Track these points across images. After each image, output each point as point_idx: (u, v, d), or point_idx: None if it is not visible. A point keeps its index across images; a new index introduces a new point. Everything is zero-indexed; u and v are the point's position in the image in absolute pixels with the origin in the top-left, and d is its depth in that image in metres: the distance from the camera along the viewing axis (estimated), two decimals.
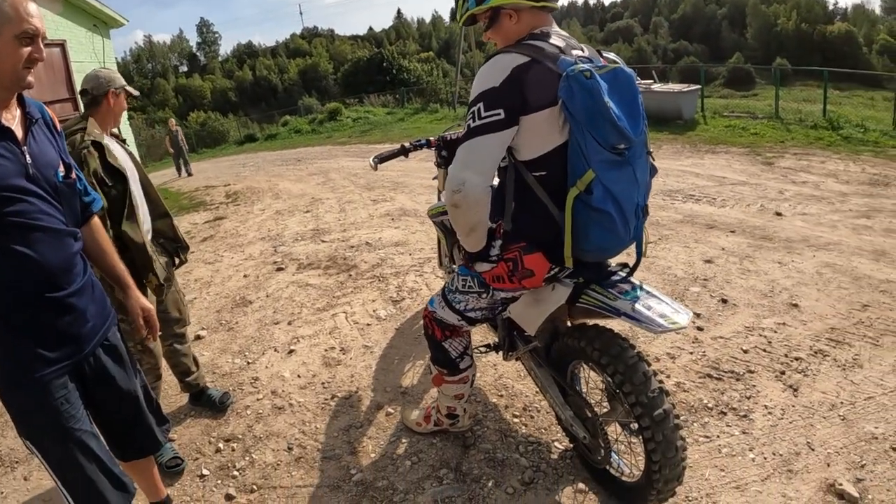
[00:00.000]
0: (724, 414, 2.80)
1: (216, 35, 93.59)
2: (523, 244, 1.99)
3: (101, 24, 13.06)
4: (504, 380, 3.22)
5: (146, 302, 2.07)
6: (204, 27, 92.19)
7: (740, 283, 4.27)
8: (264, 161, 16.14)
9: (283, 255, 6.06)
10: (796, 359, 3.22)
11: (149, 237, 2.75)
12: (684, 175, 8.24)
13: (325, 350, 3.82)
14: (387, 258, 5.53)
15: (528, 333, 2.40)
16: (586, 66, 1.74)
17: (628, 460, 2.30)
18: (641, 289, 1.97)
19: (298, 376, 3.52)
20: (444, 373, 2.50)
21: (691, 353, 3.34)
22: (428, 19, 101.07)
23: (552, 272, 2.03)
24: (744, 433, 2.65)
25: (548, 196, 1.89)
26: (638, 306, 1.88)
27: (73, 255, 1.72)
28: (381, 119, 21.88)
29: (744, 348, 3.36)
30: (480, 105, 1.81)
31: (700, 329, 3.61)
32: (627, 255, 2.09)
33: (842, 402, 2.82)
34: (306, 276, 5.32)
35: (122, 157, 2.62)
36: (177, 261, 3.00)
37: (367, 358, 3.65)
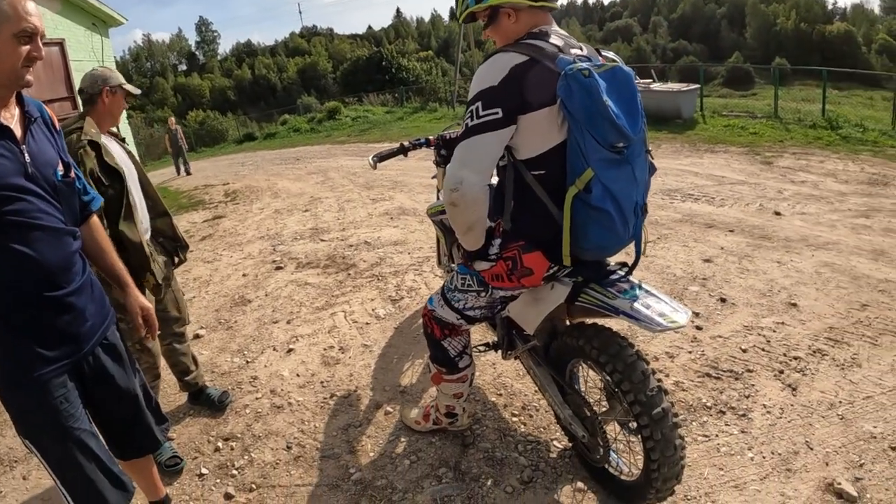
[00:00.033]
0: (723, 413, 2.80)
1: (215, 34, 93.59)
2: (522, 243, 1.99)
3: (100, 22, 13.06)
4: (503, 379, 3.22)
5: (145, 301, 2.07)
6: (203, 26, 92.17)
7: (739, 283, 4.28)
8: (263, 160, 16.14)
9: (281, 254, 6.06)
10: (795, 358, 3.22)
11: (147, 236, 2.74)
12: (683, 174, 8.25)
13: (324, 349, 3.82)
14: (386, 257, 5.53)
15: (526, 332, 2.40)
16: (585, 64, 1.74)
17: (627, 459, 2.30)
18: (640, 288, 1.97)
19: (297, 375, 3.52)
20: (443, 371, 2.50)
21: (690, 353, 3.35)
22: (427, 18, 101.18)
23: (551, 271, 2.03)
24: (742, 432, 2.65)
25: (547, 195, 1.89)
26: (637, 305, 1.88)
27: (72, 254, 1.72)
28: (380, 118, 21.87)
29: (742, 347, 3.36)
30: (478, 104, 1.81)
31: (699, 328, 3.62)
32: (626, 254, 2.10)
33: (840, 402, 2.83)
34: (305, 275, 5.32)
35: (120, 157, 2.61)
36: (176, 260, 2.99)
37: (366, 357, 3.65)
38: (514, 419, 2.88)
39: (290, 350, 3.85)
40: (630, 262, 2.08)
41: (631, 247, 2.01)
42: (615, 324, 2.19)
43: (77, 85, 2.77)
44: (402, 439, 2.81)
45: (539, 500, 2.36)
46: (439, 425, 2.75)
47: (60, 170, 1.69)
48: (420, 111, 21.78)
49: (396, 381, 3.35)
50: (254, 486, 2.62)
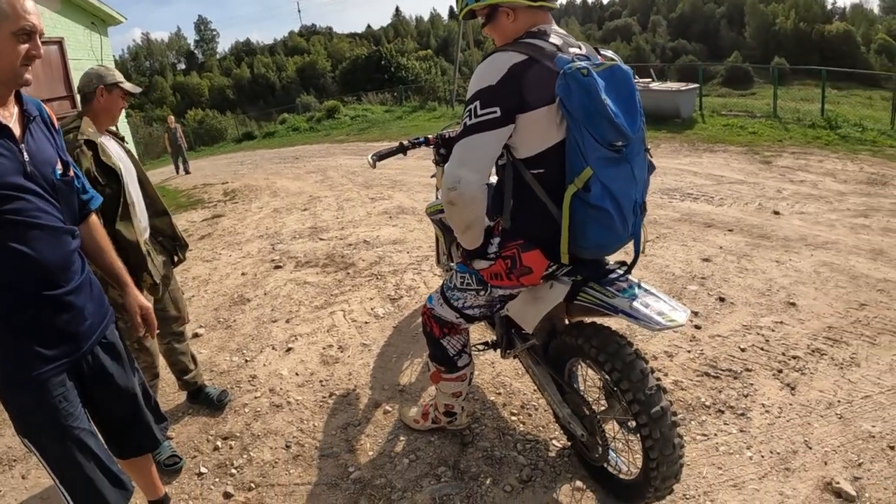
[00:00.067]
0: (722, 412, 2.80)
1: (214, 33, 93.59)
2: (521, 241, 1.99)
3: (99, 21, 13.05)
4: (502, 378, 3.22)
5: (144, 300, 2.07)
6: (202, 25, 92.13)
7: (738, 282, 4.28)
8: (262, 159, 16.12)
9: (281, 253, 6.05)
10: (794, 357, 3.22)
11: (146, 235, 2.74)
12: (682, 174, 8.25)
13: (323, 348, 3.82)
14: (385, 256, 5.53)
15: (525, 331, 2.40)
16: (583, 63, 1.74)
17: (626, 458, 2.30)
18: (639, 286, 1.97)
19: (296, 374, 3.52)
20: (442, 370, 2.51)
21: (689, 352, 3.35)
22: (426, 17, 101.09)
23: (550, 270, 2.03)
24: (741, 431, 2.66)
25: (546, 193, 1.89)
26: (636, 304, 1.88)
27: (71, 253, 1.72)
28: (380, 117, 21.86)
29: (741, 347, 3.36)
30: (477, 103, 1.82)
31: (698, 327, 3.62)
32: (625, 253, 2.10)
33: (839, 401, 2.83)
34: (304, 273, 5.32)
35: (119, 156, 2.60)
36: (175, 259, 2.99)
37: (365, 356, 3.65)
38: (513, 418, 2.88)
39: (289, 349, 3.85)
40: (629, 261, 2.08)
41: (630, 245, 2.02)
42: (614, 323, 2.19)
43: (76, 84, 2.76)
44: (401, 438, 2.81)
45: (538, 498, 2.36)
46: (438, 424, 2.75)
47: (59, 168, 1.69)
48: (419, 110, 21.77)
49: (395, 379, 3.35)
50: (253, 484, 2.62)
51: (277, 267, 5.60)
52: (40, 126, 1.71)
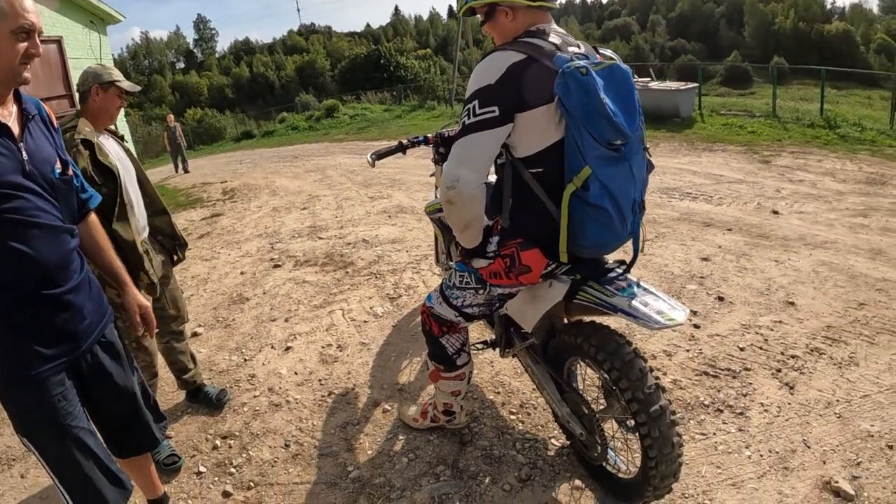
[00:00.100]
0: (721, 411, 2.81)
1: (213, 32, 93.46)
2: (520, 240, 1.99)
3: (98, 20, 13.02)
4: (501, 377, 3.23)
5: (143, 299, 2.07)
6: (201, 24, 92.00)
7: (737, 281, 4.28)
8: (261, 158, 16.11)
9: (279, 252, 6.05)
10: (792, 357, 3.23)
11: (145, 234, 2.74)
12: (681, 173, 8.25)
13: (322, 347, 3.82)
14: (384, 255, 5.53)
15: (525, 330, 2.40)
16: (582, 62, 1.74)
17: (625, 457, 2.30)
18: (638, 285, 1.98)
19: (295, 373, 3.52)
20: (441, 369, 2.51)
21: (688, 351, 3.35)
22: (425, 16, 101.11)
23: (549, 268, 2.03)
24: (740, 430, 2.66)
25: (545, 192, 1.90)
26: (635, 303, 1.88)
27: (70, 252, 1.72)
28: (379, 116, 21.85)
29: (740, 346, 3.37)
30: (475, 102, 1.82)
31: (696, 327, 3.62)
32: (624, 252, 2.10)
33: (838, 400, 2.83)
34: (303, 272, 5.32)
35: (118, 155, 2.59)
36: (175, 258, 2.99)
37: (364, 355, 3.65)
38: (512, 417, 2.88)
39: (288, 348, 3.85)
40: (628, 260, 2.08)
41: (629, 244, 2.02)
42: (613, 321, 2.19)
43: (75, 83, 2.75)
44: (401, 437, 2.81)
45: (537, 498, 2.36)
46: (437, 423, 2.76)
47: (58, 167, 1.69)
48: (418, 109, 21.76)
49: (394, 379, 3.35)
50: (252, 484, 2.62)
51: (276, 266, 5.60)
52: (39, 125, 1.71)
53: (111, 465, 1.84)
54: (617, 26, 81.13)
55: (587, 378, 2.50)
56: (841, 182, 7.31)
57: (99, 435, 1.88)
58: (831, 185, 7.19)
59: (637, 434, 1.97)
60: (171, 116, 17.24)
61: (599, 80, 1.73)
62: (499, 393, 3.09)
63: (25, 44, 1.54)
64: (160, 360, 2.97)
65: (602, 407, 2.25)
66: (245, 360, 3.76)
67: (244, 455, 2.82)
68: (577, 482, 2.41)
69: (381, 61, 51.89)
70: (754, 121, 12.46)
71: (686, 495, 2.31)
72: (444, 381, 2.54)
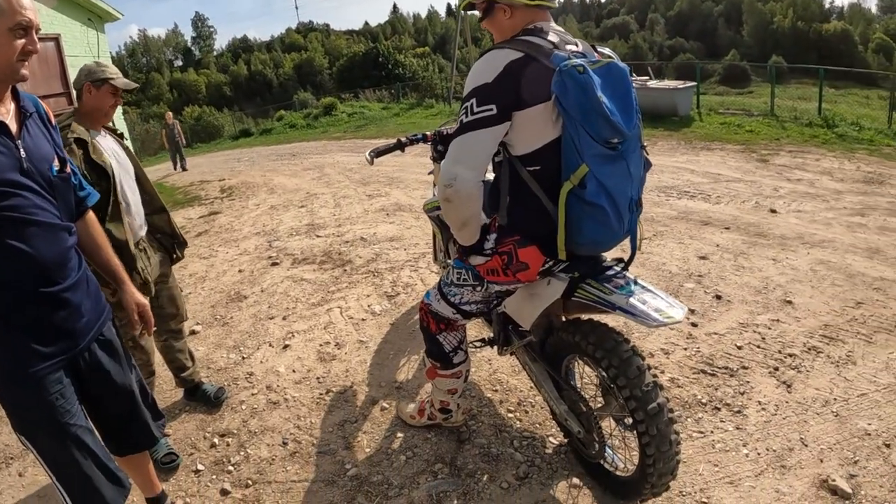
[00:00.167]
0: (718, 410, 2.81)
1: (211, 29, 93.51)
2: (518, 237, 1.99)
3: (96, 18, 13.00)
4: (499, 375, 3.23)
5: (141, 297, 2.06)
6: (199, 21, 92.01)
7: (734, 280, 4.29)
8: (259, 156, 16.10)
9: (277, 250, 6.05)
10: (790, 355, 3.23)
11: (143, 233, 2.73)
12: (679, 171, 8.26)
13: (320, 345, 3.82)
14: (381, 253, 5.53)
15: (522, 328, 2.41)
16: (579, 61, 1.74)
17: (622, 455, 2.30)
18: (636, 283, 1.98)
19: (293, 371, 3.52)
20: (438, 366, 2.51)
21: (685, 349, 3.36)
22: (424, 14, 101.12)
23: (547, 265, 2.03)
24: (737, 429, 2.66)
25: (542, 190, 1.90)
26: (633, 300, 1.88)
27: (68, 250, 1.71)
28: (377, 114, 21.84)
29: (738, 344, 3.37)
30: (473, 101, 1.82)
31: (694, 325, 3.63)
32: (622, 250, 2.10)
33: (835, 399, 2.84)
34: (301, 270, 5.32)
35: (114, 153, 2.57)
36: (174, 256, 2.98)
37: (362, 353, 3.65)
38: (510, 415, 2.88)
39: (286, 346, 3.84)
40: (626, 258, 2.09)
41: (627, 242, 2.02)
42: (611, 320, 2.20)
43: (72, 80, 2.73)
44: (398, 435, 2.81)
45: (535, 496, 2.37)
46: (434, 421, 2.76)
47: (56, 165, 1.68)
48: (416, 107, 21.76)
49: (392, 376, 3.35)
50: (250, 482, 2.62)
51: (274, 264, 5.60)
52: (37, 122, 1.70)
53: (109, 464, 1.84)
54: (615, 25, 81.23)
55: (585, 376, 2.50)
56: (839, 181, 7.32)
57: (97, 433, 1.87)
58: (829, 184, 7.20)
59: (635, 432, 1.98)
60: (170, 114, 17.18)
61: (596, 79, 1.73)
62: (497, 391, 3.09)
63: (23, 40, 1.53)
64: (158, 358, 2.97)
65: (600, 405, 2.26)
66: (243, 358, 3.76)
67: (242, 453, 2.82)
68: (575, 480, 2.42)
69: (380, 59, 51.83)
70: (752, 120, 12.48)
71: (684, 493, 2.32)
72: (441, 378, 2.54)
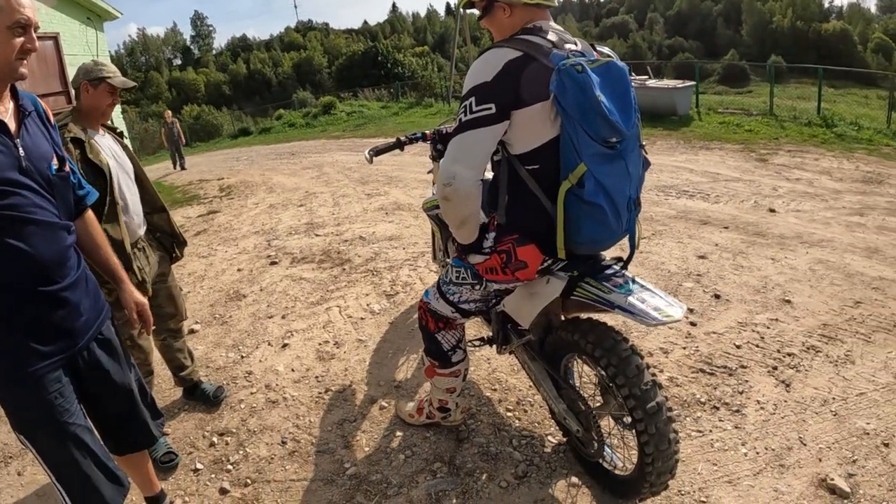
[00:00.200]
0: (717, 409, 2.81)
1: (210, 28, 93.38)
2: (517, 236, 2.00)
3: (95, 16, 12.99)
4: (498, 374, 3.23)
5: (140, 296, 2.06)
6: (198, 20, 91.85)
7: (733, 279, 4.29)
8: (258, 155, 16.08)
9: (276, 249, 6.04)
10: (789, 354, 3.24)
11: (142, 232, 2.73)
12: (678, 171, 8.26)
13: (319, 344, 3.82)
14: (381, 252, 5.53)
15: (521, 327, 2.41)
16: (578, 60, 1.74)
17: (621, 454, 2.31)
18: (635, 282, 1.98)
19: (292, 370, 3.52)
20: (436, 365, 2.51)
21: (684, 348, 3.36)
22: (423, 13, 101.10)
23: (545, 264, 2.03)
24: (736, 428, 2.67)
25: (541, 189, 1.90)
26: (632, 299, 1.88)
27: (67, 249, 1.71)
28: (376, 113, 21.82)
29: (736, 344, 3.38)
30: (472, 99, 1.82)
31: (693, 324, 3.63)
32: (621, 249, 2.10)
33: (834, 398, 2.84)
34: (300, 269, 5.31)
35: (112, 152, 2.56)
36: (174, 256, 2.98)
37: (361, 352, 3.65)
38: (509, 414, 2.89)
39: (284, 345, 3.84)
40: (625, 257, 2.09)
41: (626, 241, 2.02)
42: (610, 318, 2.20)
43: (71, 79, 2.73)
44: (397, 434, 2.82)
45: (534, 494, 2.37)
46: (432, 420, 2.76)
47: (55, 164, 1.68)
48: (416, 106, 21.74)
49: (391, 375, 3.35)
50: (249, 481, 2.62)
51: (273, 263, 5.60)
52: (36, 121, 1.70)
53: (108, 463, 1.84)
54: (615, 24, 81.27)
55: (584, 375, 2.50)
56: (838, 181, 7.33)
57: (96, 432, 1.87)
58: (828, 183, 7.20)
59: (633, 431, 1.98)
60: (169, 113, 17.12)
61: (595, 78, 1.73)
62: (495, 390, 3.09)
63: (22, 39, 1.53)
64: (157, 357, 2.97)
65: (599, 404, 2.26)
66: (242, 356, 3.76)
67: (241, 452, 2.82)
68: (574, 479, 2.42)
69: (379, 58, 51.79)
70: (751, 119, 12.48)
71: (682, 492, 2.32)
72: (440, 377, 2.54)
